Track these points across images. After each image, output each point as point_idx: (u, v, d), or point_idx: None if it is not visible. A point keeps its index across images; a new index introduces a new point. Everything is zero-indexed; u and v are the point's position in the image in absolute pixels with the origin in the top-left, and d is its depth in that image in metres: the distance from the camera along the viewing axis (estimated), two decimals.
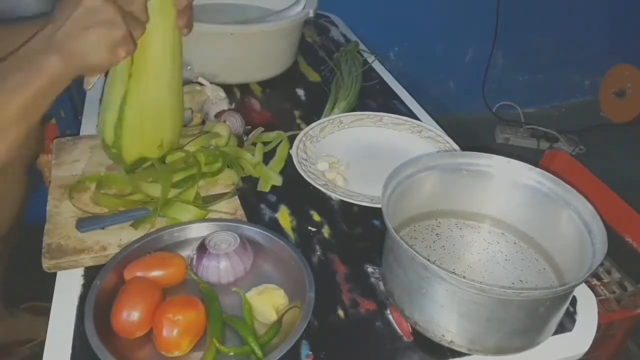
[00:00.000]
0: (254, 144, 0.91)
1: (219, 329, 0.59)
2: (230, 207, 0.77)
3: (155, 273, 0.63)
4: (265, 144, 0.92)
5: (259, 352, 0.56)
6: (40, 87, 0.60)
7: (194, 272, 0.66)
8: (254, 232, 0.70)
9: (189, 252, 0.69)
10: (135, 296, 0.59)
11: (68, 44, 0.61)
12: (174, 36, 0.73)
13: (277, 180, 0.84)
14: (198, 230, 0.71)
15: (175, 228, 0.70)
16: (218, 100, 0.97)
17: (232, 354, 0.57)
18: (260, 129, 0.96)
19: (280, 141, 0.93)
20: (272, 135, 0.95)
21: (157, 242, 0.69)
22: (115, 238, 0.70)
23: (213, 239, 0.67)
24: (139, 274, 0.63)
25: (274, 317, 0.61)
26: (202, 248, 0.66)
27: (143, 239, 0.68)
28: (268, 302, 0.61)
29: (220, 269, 0.65)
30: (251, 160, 0.86)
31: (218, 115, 0.93)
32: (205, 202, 0.77)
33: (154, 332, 0.58)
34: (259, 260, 0.69)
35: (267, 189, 0.83)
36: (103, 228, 0.71)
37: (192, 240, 0.70)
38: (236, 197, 0.79)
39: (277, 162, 0.89)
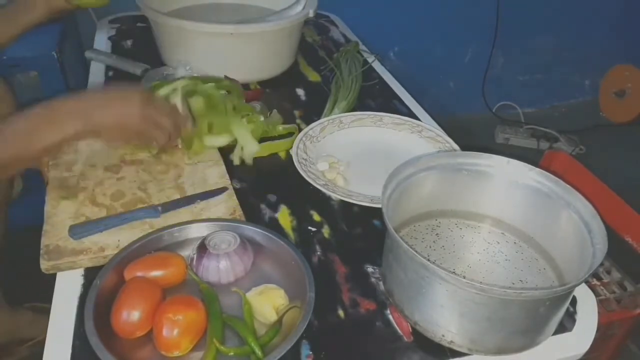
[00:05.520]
0: None
1: (219, 328, 0.58)
2: (229, 206, 0.77)
3: (155, 273, 0.63)
4: (269, 139, 0.94)
5: (259, 352, 0.56)
6: (54, 142, 0.68)
7: (194, 272, 0.65)
8: (254, 232, 0.70)
9: (188, 252, 0.69)
10: (135, 296, 0.59)
11: (102, 122, 0.70)
12: None
13: (253, 147, 0.88)
14: (198, 230, 0.71)
15: (175, 228, 0.70)
16: None
17: (232, 354, 0.57)
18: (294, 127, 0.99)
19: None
20: (288, 126, 0.97)
21: (157, 242, 0.69)
22: (114, 239, 0.70)
23: (213, 239, 0.67)
24: (139, 274, 0.63)
25: (273, 317, 0.60)
26: (202, 248, 0.66)
27: (143, 239, 0.68)
28: (268, 302, 0.61)
29: (220, 269, 0.65)
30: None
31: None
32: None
33: (154, 332, 0.58)
34: (259, 260, 0.69)
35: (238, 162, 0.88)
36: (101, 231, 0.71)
37: (192, 240, 0.70)
38: (234, 196, 0.79)
39: (266, 147, 0.91)
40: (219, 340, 0.57)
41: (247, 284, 0.65)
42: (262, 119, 0.94)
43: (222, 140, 0.89)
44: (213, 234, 0.68)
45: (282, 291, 0.63)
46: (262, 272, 0.68)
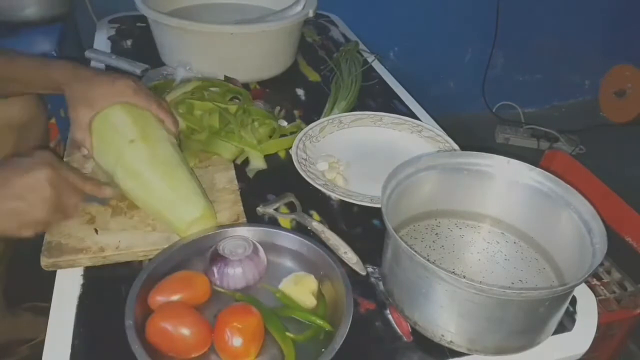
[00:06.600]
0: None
1: (279, 324, 0.58)
2: (233, 212, 0.76)
3: (181, 295, 0.60)
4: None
5: (326, 325, 0.58)
6: None
7: (218, 285, 0.64)
8: (253, 233, 0.70)
9: (201, 264, 0.66)
10: (185, 317, 0.57)
11: None
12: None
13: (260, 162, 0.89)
14: (204, 240, 0.68)
15: (183, 243, 0.67)
16: None
17: (303, 339, 0.57)
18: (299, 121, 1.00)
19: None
20: (294, 124, 0.98)
21: (170, 262, 0.65)
22: (114, 239, 0.69)
23: (226, 247, 0.66)
24: (164, 298, 0.60)
25: (313, 302, 0.62)
26: (219, 258, 0.64)
27: (153, 263, 0.64)
28: (305, 289, 0.62)
29: (245, 272, 0.64)
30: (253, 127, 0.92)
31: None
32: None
33: (217, 346, 0.56)
34: (270, 256, 0.68)
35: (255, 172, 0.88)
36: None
37: (201, 251, 0.68)
38: (240, 202, 0.78)
39: (273, 144, 0.92)
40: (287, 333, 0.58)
41: (274, 278, 0.65)
42: (285, 124, 0.96)
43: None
44: (222, 242, 0.67)
45: (312, 276, 0.64)
46: (280, 264, 0.68)
